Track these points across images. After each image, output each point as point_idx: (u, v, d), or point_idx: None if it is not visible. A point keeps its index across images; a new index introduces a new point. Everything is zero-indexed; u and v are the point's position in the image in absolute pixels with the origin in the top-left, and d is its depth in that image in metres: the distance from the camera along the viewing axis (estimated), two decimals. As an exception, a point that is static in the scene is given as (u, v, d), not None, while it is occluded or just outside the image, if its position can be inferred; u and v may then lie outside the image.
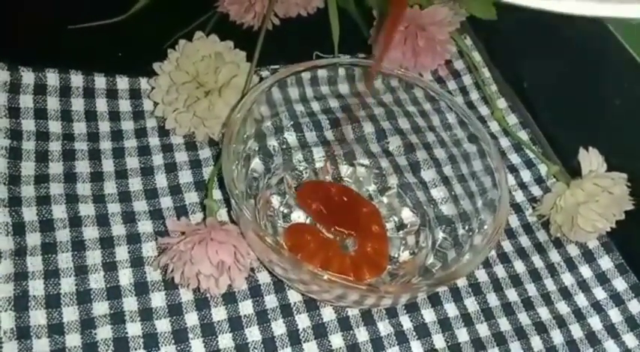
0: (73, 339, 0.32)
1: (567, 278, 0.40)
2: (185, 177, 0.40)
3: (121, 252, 0.36)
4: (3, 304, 0.32)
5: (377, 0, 0.46)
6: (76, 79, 0.41)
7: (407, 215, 0.40)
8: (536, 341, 0.37)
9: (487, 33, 0.50)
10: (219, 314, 0.35)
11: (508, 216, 0.41)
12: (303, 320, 0.35)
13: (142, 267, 0.35)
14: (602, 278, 0.40)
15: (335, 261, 0.37)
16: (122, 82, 0.42)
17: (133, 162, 0.39)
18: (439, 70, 0.49)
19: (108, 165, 0.39)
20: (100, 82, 0.42)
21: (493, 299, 0.38)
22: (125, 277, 0.35)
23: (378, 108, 0.43)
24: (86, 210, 0.37)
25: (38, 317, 0.33)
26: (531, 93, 0.49)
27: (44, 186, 0.37)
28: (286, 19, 0.48)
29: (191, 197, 0.39)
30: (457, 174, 0.40)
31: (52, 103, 0.40)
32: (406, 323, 0.36)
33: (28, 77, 0.40)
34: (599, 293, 0.40)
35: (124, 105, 0.42)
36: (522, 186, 0.44)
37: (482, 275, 0.39)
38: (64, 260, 0.35)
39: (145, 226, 0.37)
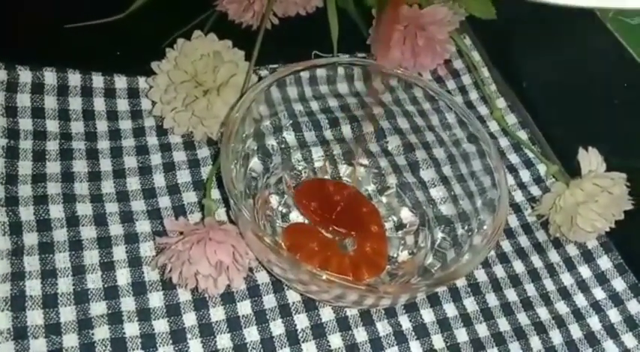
0: (70, 339, 0.32)
1: (566, 279, 0.40)
2: (183, 176, 0.39)
3: (119, 252, 0.35)
4: (0, 304, 0.32)
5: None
6: (74, 78, 0.41)
7: (406, 215, 0.40)
8: (535, 342, 0.37)
9: (486, 33, 0.50)
10: (217, 314, 0.35)
11: (507, 216, 0.41)
12: (301, 321, 0.35)
13: (140, 267, 0.35)
14: (602, 279, 0.40)
15: (334, 261, 0.37)
16: (120, 81, 0.42)
17: (130, 162, 0.39)
18: (438, 70, 0.49)
19: (106, 165, 0.39)
20: (98, 81, 0.41)
21: (492, 300, 0.38)
22: (123, 277, 0.35)
23: (377, 107, 0.43)
24: (84, 209, 0.36)
25: (35, 317, 0.32)
26: (530, 93, 0.49)
27: (41, 186, 0.37)
28: (285, 18, 0.48)
29: (189, 196, 0.39)
30: (456, 173, 0.40)
31: (50, 102, 0.40)
32: (405, 323, 0.36)
33: (25, 76, 0.40)
34: (599, 294, 0.40)
35: (122, 105, 0.41)
36: (521, 185, 0.44)
37: (481, 275, 0.39)
38: (62, 260, 0.34)
39: (143, 226, 0.37)
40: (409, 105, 0.42)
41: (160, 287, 0.35)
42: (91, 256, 0.35)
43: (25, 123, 0.39)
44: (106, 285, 0.34)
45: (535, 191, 0.44)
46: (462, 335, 0.36)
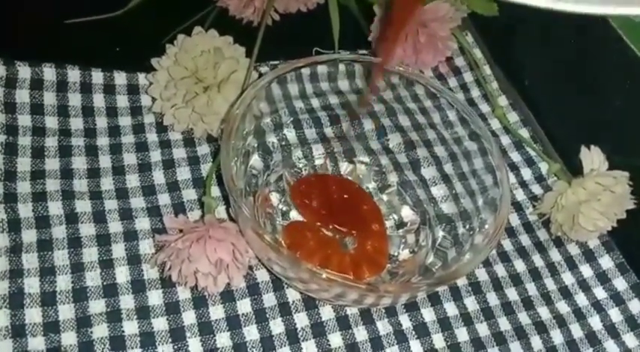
0: (68, 337, 0.32)
1: (567, 278, 0.40)
2: (183, 173, 0.39)
3: (118, 250, 0.35)
4: (-2, 302, 0.32)
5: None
6: (73, 74, 0.41)
7: (407, 213, 0.40)
8: (536, 341, 0.37)
9: (488, 30, 0.50)
10: (216, 312, 0.34)
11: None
12: (301, 319, 0.35)
13: (139, 265, 0.35)
14: (603, 278, 0.40)
15: (334, 259, 0.37)
16: (120, 78, 0.42)
17: (130, 159, 0.39)
18: (440, 67, 0.48)
19: (105, 162, 0.39)
20: (98, 77, 0.41)
21: (493, 299, 0.38)
22: (122, 275, 0.35)
23: (378, 105, 0.43)
24: (83, 206, 0.36)
25: (33, 315, 0.32)
26: (532, 91, 0.49)
27: (40, 183, 0.36)
28: (286, 14, 0.48)
29: (189, 194, 0.38)
30: (458, 172, 0.40)
31: (49, 98, 0.40)
32: (405, 322, 0.36)
33: (24, 72, 0.39)
34: (600, 293, 0.40)
35: (122, 101, 0.41)
36: (523, 184, 0.44)
37: (482, 274, 0.39)
38: (60, 257, 0.34)
39: (143, 223, 0.37)
40: (410, 103, 0.41)
41: (160, 285, 0.35)
42: (90, 254, 0.35)
43: (24, 120, 0.38)
44: (105, 283, 0.34)
45: (536, 189, 0.44)
46: (462, 335, 0.36)
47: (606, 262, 0.41)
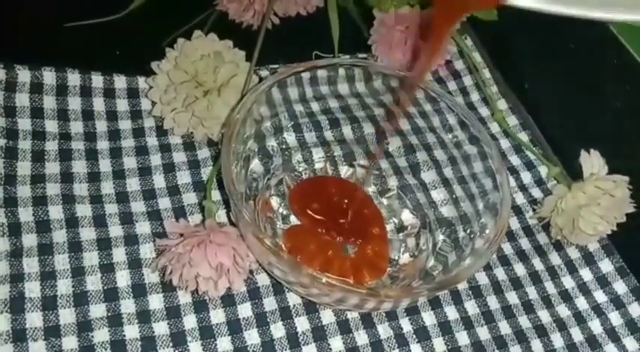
0: (69, 342, 0.32)
1: (568, 281, 0.40)
2: (183, 177, 0.39)
3: (119, 254, 0.35)
4: (-2, 306, 0.32)
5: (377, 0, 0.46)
6: (73, 78, 0.41)
7: (407, 217, 0.40)
8: (536, 345, 0.37)
9: (488, 33, 0.50)
10: (217, 316, 0.34)
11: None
12: (302, 323, 0.35)
13: (140, 269, 0.35)
14: (603, 281, 0.40)
15: (335, 264, 0.37)
16: (120, 81, 0.42)
17: (130, 163, 0.39)
18: (439, 71, 0.49)
19: (105, 165, 0.38)
20: (98, 80, 0.41)
21: (493, 302, 0.38)
22: (123, 279, 0.35)
23: (378, 108, 0.43)
24: (83, 210, 0.36)
25: (34, 319, 0.32)
26: (532, 95, 0.49)
27: (40, 187, 0.36)
28: (286, 18, 0.48)
29: (189, 198, 0.38)
30: (457, 175, 0.40)
31: (49, 102, 0.39)
32: (406, 326, 0.36)
33: (24, 75, 0.39)
34: (600, 297, 0.40)
35: (122, 105, 0.41)
36: (523, 188, 0.44)
37: (482, 278, 0.39)
38: (61, 261, 0.34)
39: (143, 227, 0.37)
40: (410, 107, 0.41)
41: (160, 290, 0.35)
42: (91, 258, 0.35)
43: (24, 124, 0.38)
44: (105, 287, 0.34)
45: (536, 193, 0.44)
46: (463, 339, 0.36)
47: (606, 266, 0.41)
